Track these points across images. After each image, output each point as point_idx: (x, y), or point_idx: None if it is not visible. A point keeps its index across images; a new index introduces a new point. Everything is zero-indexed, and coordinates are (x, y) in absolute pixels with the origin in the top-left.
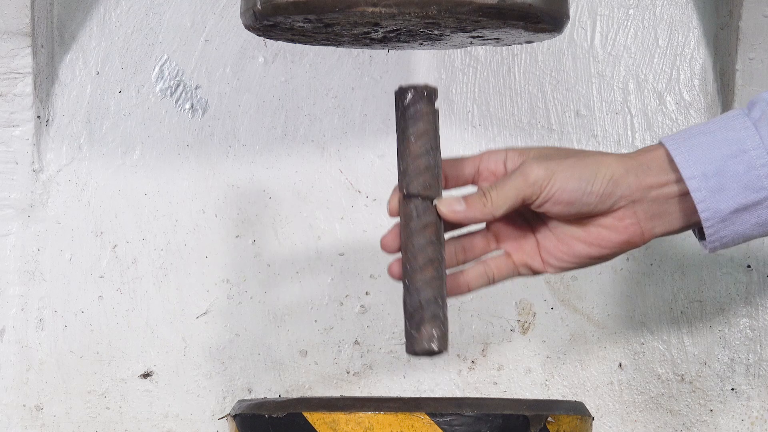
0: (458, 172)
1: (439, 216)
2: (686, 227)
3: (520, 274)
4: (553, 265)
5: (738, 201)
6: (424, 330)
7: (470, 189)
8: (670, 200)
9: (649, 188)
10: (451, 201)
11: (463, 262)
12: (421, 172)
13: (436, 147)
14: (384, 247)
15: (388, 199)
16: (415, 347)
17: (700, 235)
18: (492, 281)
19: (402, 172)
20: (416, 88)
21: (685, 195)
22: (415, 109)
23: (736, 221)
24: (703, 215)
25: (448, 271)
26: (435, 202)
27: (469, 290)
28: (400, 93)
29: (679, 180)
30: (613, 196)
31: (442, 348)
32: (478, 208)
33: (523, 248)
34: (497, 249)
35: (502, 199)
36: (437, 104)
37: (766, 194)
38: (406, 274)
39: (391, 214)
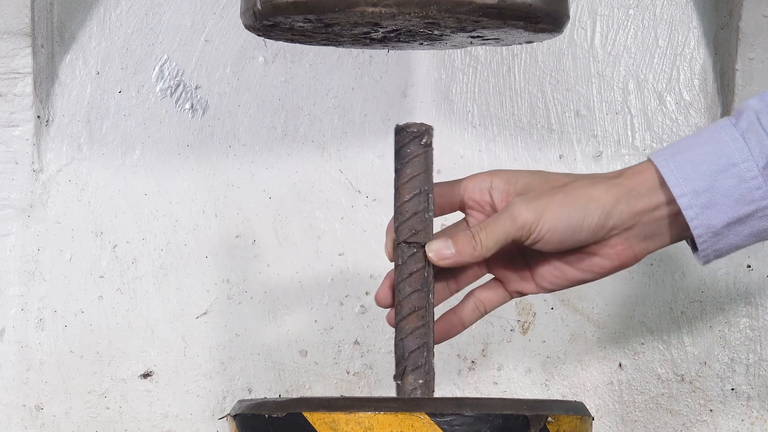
0: (444, 201)
1: (427, 261)
2: (678, 240)
3: (511, 299)
4: (545, 287)
5: (730, 215)
6: (407, 380)
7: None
8: (662, 220)
9: (641, 213)
10: (440, 246)
11: (456, 291)
12: (410, 217)
13: (427, 190)
14: (378, 302)
15: (385, 242)
16: (399, 395)
17: (694, 246)
18: (484, 313)
19: (395, 213)
20: (408, 129)
21: (676, 214)
22: (406, 151)
23: (730, 234)
24: (695, 232)
25: (443, 305)
26: (426, 247)
27: (464, 328)
28: (396, 132)
29: (671, 201)
30: (605, 228)
31: (426, 395)
32: (467, 252)
33: (515, 275)
34: (488, 273)
35: (492, 242)
36: (433, 143)
37: (757, 206)
38: (396, 320)
39: (391, 259)
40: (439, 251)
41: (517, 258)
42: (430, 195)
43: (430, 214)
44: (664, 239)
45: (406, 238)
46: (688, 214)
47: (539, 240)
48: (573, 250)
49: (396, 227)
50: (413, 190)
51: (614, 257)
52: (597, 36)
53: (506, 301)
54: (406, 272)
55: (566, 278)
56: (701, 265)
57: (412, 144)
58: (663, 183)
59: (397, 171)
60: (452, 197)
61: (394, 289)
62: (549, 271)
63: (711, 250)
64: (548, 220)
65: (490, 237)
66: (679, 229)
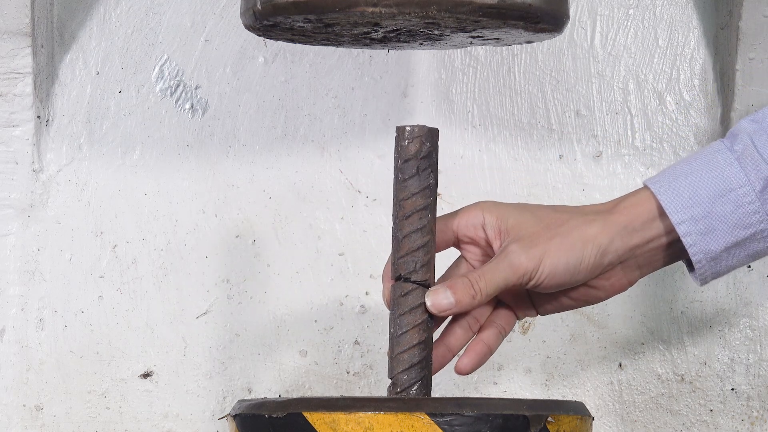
0: (438, 239)
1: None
2: (673, 263)
3: (519, 320)
4: (544, 313)
5: (728, 240)
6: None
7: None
8: (657, 249)
9: (635, 248)
10: (439, 297)
11: (477, 330)
12: (411, 252)
13: (430, 221)
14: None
15: (382, 289)
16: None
17: (690, 266)
18: (505, 335)
19: (393, 247)
20: (412, 141)
21: (672, 241)
22: (410, 172)
23: (727, 257)
24: (694, 258)
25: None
26: (425, 297)
27: (492, 353)
28: (398, 139)
29: (669, 230)
30: (601, 266)
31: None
32: (467, 302)
33: (520, 303)
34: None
35: (492, 290)
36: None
37: (755, 230)
38: (393, 352)
39: (389, 305)
40: (439, 303)
41: (519, 290)
42: (433, 229)
43: (433, 247)
44: (657, 265)
45: (407, 275)
46: (686, 240)
47: (539, 285)
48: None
49: (395, 261)
50: (416, 223)
51: (609, 288)
52: (597, 36)
53: (516, 322)
54: (406, 306)
55: (563, 306)
56: (698, 286)
57: (416, 162)
58: (661, 212)
59: (398, 198)
60: (446, 235)
61: (391, 322)
62: (547, 301)
63: (709, 273)
64: (547, 266)
65: (490, 285)
66: (675, 254)
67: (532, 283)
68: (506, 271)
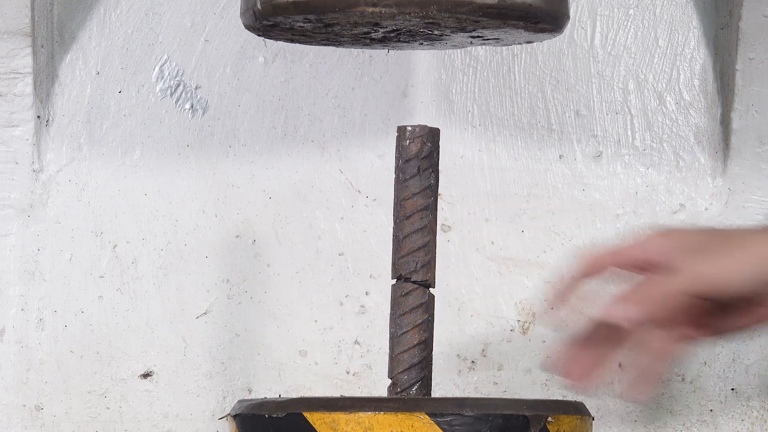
0: (624, 261)
1: (429, 297)
2: None
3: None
4: (717, 333)
5: None
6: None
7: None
8: None
9: None
10: (622, 309)
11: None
12: (413, 251)
13: (431, 221)
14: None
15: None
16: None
17: None
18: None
19: (394, 244)
20: (413, 141)
21: None
22: (411, 172)
23: None
24: None
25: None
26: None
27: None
28: (399, 140)
29: None
30: None
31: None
32: (650, 311)
33: (691, 321)
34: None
35: (673, 301)
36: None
37: None
38: (393, 352)
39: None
40: (624, 313)
41: (689, 309)
42: (434, 229)
43: (434, 247)
44: None
45: (407, 275)
46: None
47: (719, 295)
48: (743, 300)
49: (396, 261)
50: (417, 223)
51: None
52: (597, 36)
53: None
54: (406, 307)
55: (738, 326)
56: None
57: (417, 162)
58: None
59: (399, 198)
60: (631, 259)
61: (391, 322)
62: (721, 318)
63: None
64: (726, 273)
65: (669, 297)
66: None
67: (712, 292)
68: (687, 281)
